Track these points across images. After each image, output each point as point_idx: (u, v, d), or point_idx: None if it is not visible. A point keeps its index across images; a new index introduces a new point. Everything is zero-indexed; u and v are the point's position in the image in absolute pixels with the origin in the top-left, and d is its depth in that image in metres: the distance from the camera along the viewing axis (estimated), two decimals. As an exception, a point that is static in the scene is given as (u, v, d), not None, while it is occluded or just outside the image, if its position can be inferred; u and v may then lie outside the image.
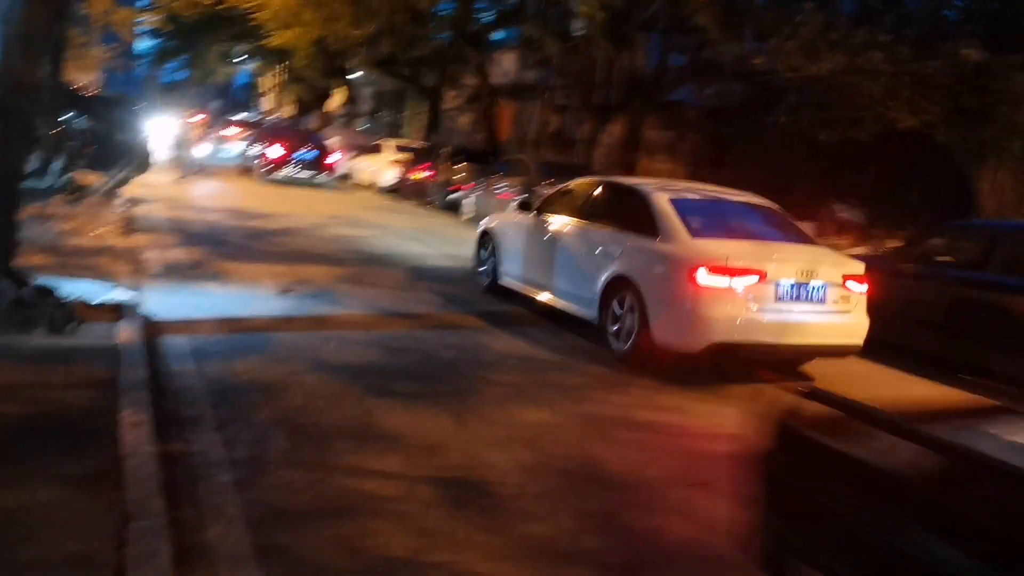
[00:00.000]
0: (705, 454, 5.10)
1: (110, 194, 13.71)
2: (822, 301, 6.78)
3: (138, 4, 30.94)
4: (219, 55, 43.63)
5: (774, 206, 7.97)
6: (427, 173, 20.93)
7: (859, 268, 7.02)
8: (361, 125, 41.59)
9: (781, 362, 7.13)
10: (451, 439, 4.90)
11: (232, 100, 72.98)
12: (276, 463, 4.32)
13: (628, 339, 6.95)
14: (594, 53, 25.64)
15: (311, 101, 45.63)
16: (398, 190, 22.76)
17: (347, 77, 38.41)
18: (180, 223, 13.17)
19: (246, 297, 8.21)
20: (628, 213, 7.54)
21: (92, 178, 14.15)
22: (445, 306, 8.77)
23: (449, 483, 4.29)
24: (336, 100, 43.75)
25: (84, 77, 33.24)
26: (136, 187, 16.41)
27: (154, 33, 34.28)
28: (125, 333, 6.00)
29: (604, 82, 26.00)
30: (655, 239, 7.07)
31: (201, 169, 21.61)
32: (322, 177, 22.49)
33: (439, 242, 14.03)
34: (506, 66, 29.59)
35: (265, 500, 3.89)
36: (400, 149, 23.95)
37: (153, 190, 16.65)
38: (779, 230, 7.55)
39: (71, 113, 14.11)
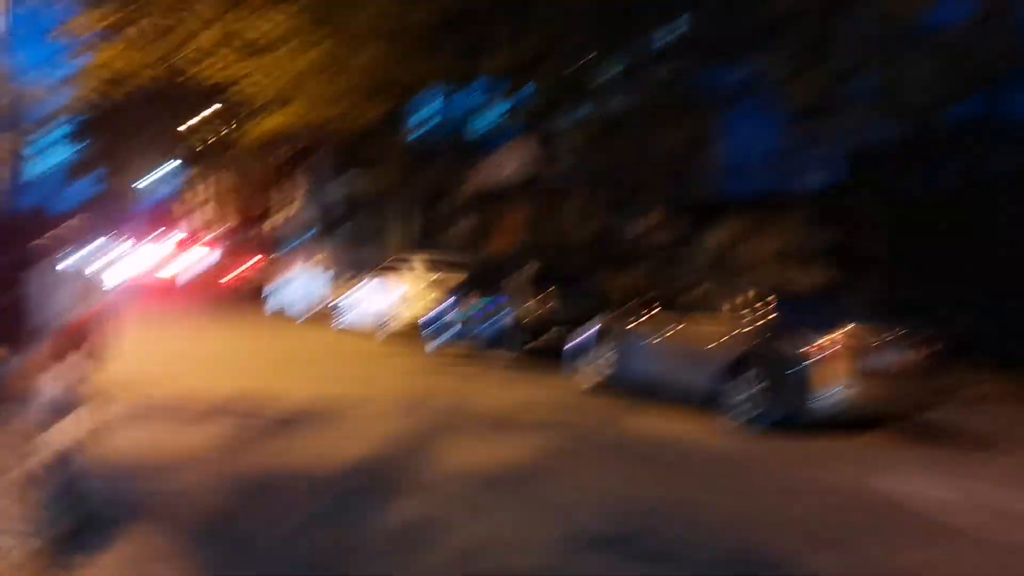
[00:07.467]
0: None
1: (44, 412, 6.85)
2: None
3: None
4: (149, 163, 36.79)
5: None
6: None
7: None
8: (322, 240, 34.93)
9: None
10: None
11: (155, 216, 65.82)
12: None
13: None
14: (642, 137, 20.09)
15: (255, 213, 38.90)
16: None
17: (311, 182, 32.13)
18: (173, 457, 6.43)
19: None
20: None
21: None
22: None
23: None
24: (286, 212, 37.09)
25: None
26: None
27: (71, 131, 27.37)
28: None
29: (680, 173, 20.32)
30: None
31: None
32: None
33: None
34: (507, 165, 23.62)
35: None
36: (437, 267, 16.13)
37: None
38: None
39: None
